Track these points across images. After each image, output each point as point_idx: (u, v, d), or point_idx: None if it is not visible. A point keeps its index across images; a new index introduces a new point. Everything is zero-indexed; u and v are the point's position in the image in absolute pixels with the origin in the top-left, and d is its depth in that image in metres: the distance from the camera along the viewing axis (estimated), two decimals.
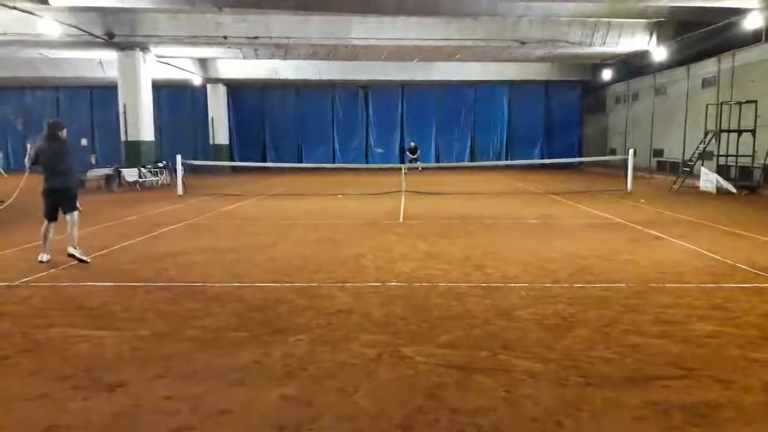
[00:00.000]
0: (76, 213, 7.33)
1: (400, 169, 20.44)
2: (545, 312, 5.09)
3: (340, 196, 16.26)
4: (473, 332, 4.59)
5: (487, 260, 7.31)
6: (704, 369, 3.82)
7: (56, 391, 3.52)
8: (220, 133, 30.70)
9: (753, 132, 16.24)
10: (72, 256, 7.12)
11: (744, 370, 3.81)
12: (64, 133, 7.37)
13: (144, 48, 20.21)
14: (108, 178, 18.27)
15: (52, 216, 7.29)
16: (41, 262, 7.14)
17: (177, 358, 4.06)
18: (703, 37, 18.14)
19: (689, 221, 10.70)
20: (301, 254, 7.72)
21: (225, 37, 19.37)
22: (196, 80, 27.46)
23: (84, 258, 7.19)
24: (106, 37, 18.73)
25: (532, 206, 13.46)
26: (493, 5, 17.41)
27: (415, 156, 28.83)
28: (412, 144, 29.67)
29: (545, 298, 5.57)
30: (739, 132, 16.55)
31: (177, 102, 31.15)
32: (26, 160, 7.45)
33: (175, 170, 17.61)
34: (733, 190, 15.71)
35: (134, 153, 20.32)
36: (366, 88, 31.77)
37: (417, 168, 26.33)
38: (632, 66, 24.41)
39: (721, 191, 15.88)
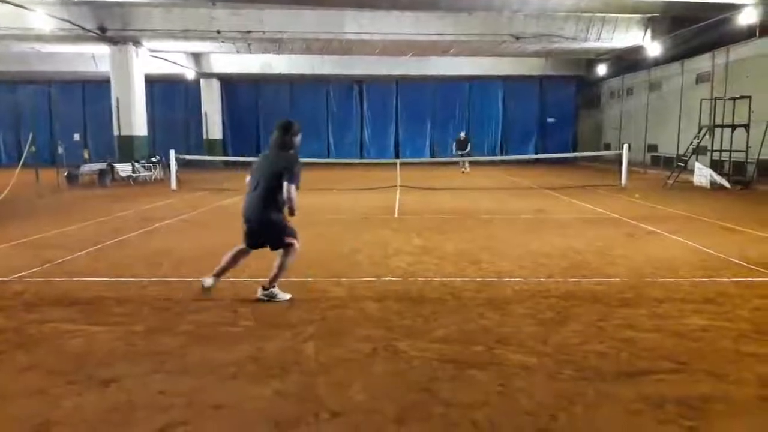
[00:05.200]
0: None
1: (395, 164, 20.38)
2: (539, 306, 5.11)
3: (334, 190, 16.23)
4: (468, 327, 4.59)
5: (481, 255, 7.32)
6: (697, 363, 3.85)
7: (49, 387, 3.50)
8: (214, 127, 30.52)
9: (747, 127, 16.29)
10: None
11: (737, 364, 3.84)
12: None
13: (137, 42, 20.06)
14: (101, 173, 18.17)
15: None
16: None
17: (171, 353, 4.05)
18: (697, 33, 18.14)
19: (683, 216, 10.74)
20: None
21: (218, 32, 19.24)
22: (190, 75, 27.28)
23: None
24: (98, 32, 18.56)
25: (526, 201, 13.47)
26: (487, 0, 17.37)
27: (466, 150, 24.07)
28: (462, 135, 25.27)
29: (539, 292, 5.58)
30: (733, 127, 16.60)
31: (170, 96, 30.91)
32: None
33: (169, 165, 17.53)
34: (727, 185, 15.78)
35: (127, 148, 20.19)
36: (360, 82, 31.64)
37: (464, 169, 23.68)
38: (627, 61, 24.43)
39: (714, 186, 15.95)
